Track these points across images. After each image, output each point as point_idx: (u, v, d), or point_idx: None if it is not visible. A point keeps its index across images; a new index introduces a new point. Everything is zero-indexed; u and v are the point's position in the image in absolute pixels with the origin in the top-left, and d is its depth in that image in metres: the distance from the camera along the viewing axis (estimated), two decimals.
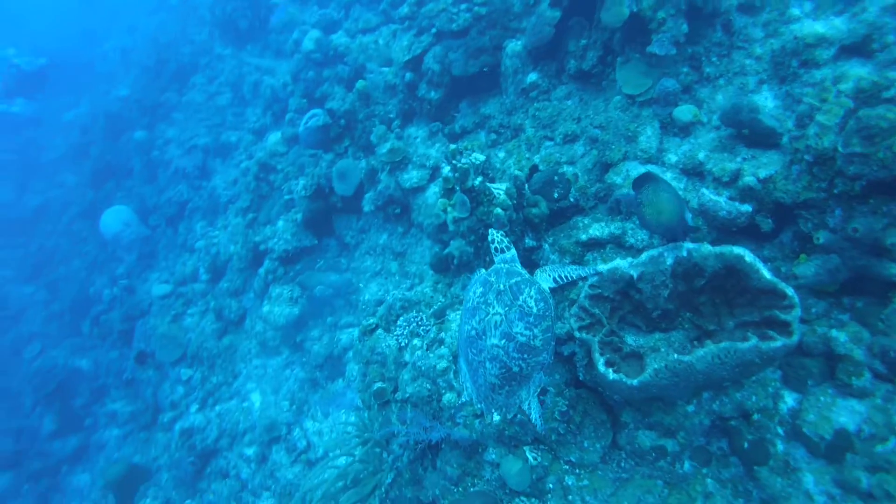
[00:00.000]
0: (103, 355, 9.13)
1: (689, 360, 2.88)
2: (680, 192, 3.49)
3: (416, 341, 4.35)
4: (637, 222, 3.94)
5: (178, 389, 7.57)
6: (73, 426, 9.19)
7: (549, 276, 3.18)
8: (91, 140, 11.89)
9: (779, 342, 2.74)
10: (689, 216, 3.18)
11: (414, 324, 4.48)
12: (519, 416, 3.86)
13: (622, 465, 3.73)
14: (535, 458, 3.82)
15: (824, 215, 3.08)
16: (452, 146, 4.11)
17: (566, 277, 3.21)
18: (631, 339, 3.51)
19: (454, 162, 3.99)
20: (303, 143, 7.03)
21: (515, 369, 2.87)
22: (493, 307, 2.91)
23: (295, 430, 6.28)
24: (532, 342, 2.87)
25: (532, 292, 2.93)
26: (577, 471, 3.76)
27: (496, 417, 2.97)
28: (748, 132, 3.64)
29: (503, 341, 2.83)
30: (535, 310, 2.88)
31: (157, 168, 10.68)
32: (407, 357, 4.34)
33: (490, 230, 3.33)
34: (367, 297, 6.28)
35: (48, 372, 9.55)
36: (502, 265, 3.11)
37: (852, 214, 2.93)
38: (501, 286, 2.94)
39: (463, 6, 5.70)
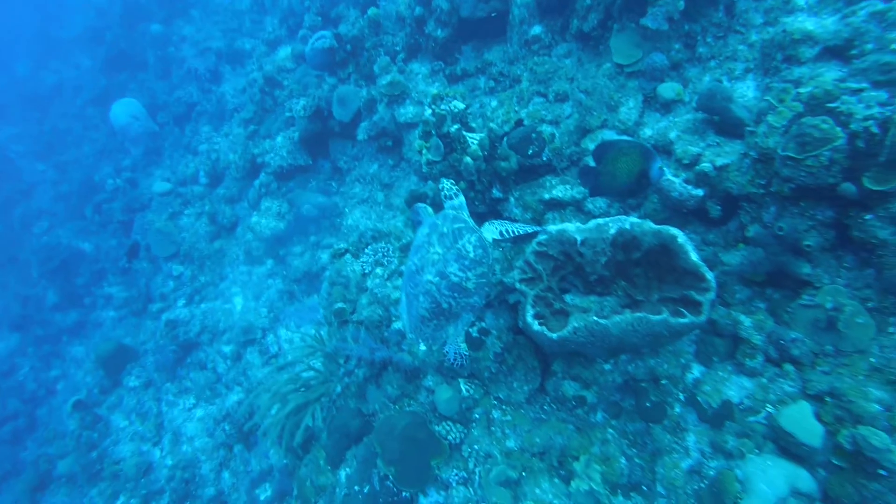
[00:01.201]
0: (104, 241, 9.61)
1: (606, 324, 3.17)
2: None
3: (378, 270, 4.67)
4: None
5: (169, 283, 8.06)
6: (74, 302, 9.82)
7: (497, 228, 3.43)
8: (107, 25, 11.82)
9: (686, 319, 3.02)
10: (655, 169, 3.19)
11: (380, 254, 4.79)
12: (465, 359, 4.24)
13: (545, 408, 4.12)
14: (467, 391, 4.22)
15: (761, 210, 3.26)
16: (434, 91, 4.23)
17: (513, 232, 3.45)
18: (569, 298, 3.80)
19: (433, 107, 4.13)
20: (308, 64, 7.07)
21: (445, 306, 3.16)
22: (434, 247, 3.17)
23: (269, 336, 6.77)
24: (464, 284, 3.14)
25: (472, 238, 3.18)
26: (504, 407, 4.17)
27: (422, 347, 3.30)
28: (718, 119, 3.74)
29: (437, 278, 3.11)
30: (471, 255, 3.14)
31: (170, 64, 10.71)
32: (368, 283, 4.68)
33: (442, 179, 3.53)
34: (350, 222, 6.57)
35: (53, 248, 10.06)
36: (450, 211, 3.35)
37: (783, 213, 3.11)
38: (445, 229, 3.19)
39: None
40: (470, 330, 4.26)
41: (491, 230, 3.43)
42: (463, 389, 4.21)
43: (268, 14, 10.13)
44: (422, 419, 4.10)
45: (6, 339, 10.64)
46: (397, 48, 6.59)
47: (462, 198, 3.46)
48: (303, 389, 4.52)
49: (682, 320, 3.02)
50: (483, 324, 4.30)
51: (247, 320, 6.98)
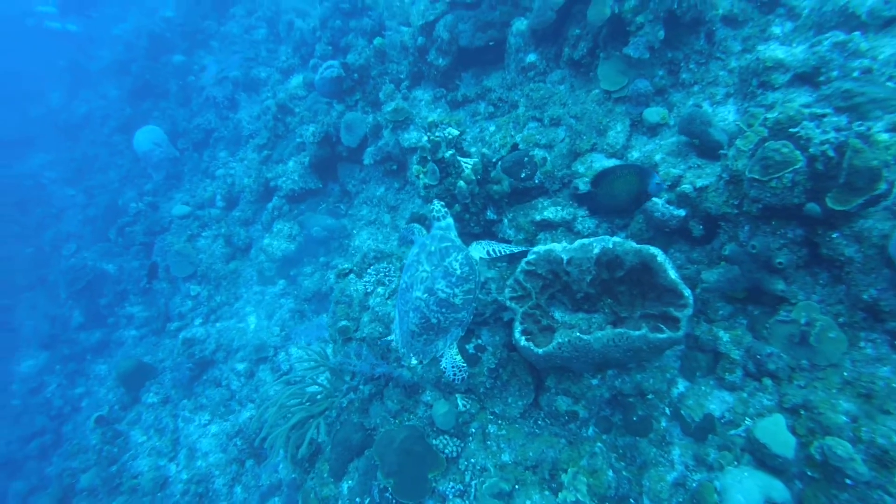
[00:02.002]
0: (127, 263, 10.04)
1: (588, 340, 3.32)
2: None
3: (380, 289, 4.89)
4: (586, 212, 4.31)
5: (187, 303, 8.39)
6: (98, 322, 10.24)
7: (484, 248, 3.63)
8: (133, 57, 12.45)
9: (664, 335, 3.16)
10: (653, 185, 3.51)
11: (382, 273, 5.01)
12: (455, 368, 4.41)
13: (539, 422, 4.24)
14: (464, 405, 4.38)
15: (737, 229, 3.40)
16: (431, 118, 4.48)
17: (499, 252, 3.65)
18: (558, 315, 3.96)
19: (429, 134, 4.37)
20: (318, 91, 7.42)
21: (433, 321, 3.35)
22: (423, 265, 3.38)
23: (281, 354, 7.01)
24: (452, 300, 3.34)
25: (459, 257, 3.39)
26: (499, 421, 4.31)
27: (413, 361, 3.48)
28: (698, 143, 3.91)
29: (425, 295, 3.31)
30: (458, 272, 3.34)
31: (191, 93, 11.24)
32: (370, 302, 4.89)
33: (434, 201, 3.75)
34: (357, 242, 6.82)
35: (80, 270, 10.50)
36: (438, 231, 3.57)
37: (756, 232, 3.25)
38: (433, 248, 3.41)
39: None
40: (466, 346, 4.44)
41: (478, 249, 3.63)
42: (460, 404, 4.37)
43: (282, 43, 10.59)
44: (419, 433, 4.26)
45: (36, 358, 11.12)
46: (401, 76, 6.90)
47: (450, 219, 3.68)
48: (308, 403, 4.72)
49: (660, 336, 3.16)
50: (479, 340, 4.47)
51: (260, 339, 7.24)
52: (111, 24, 15.82)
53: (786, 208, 3.06)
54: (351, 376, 4.99)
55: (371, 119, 6.88)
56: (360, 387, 4.94)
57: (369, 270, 5.08)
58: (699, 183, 3.75)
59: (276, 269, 7.40)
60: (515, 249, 3.67)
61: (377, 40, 6.98)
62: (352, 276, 5.19)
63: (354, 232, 7.07)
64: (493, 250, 3.64)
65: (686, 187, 3.76)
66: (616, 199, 3.76)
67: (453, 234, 3.61)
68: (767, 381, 3.29)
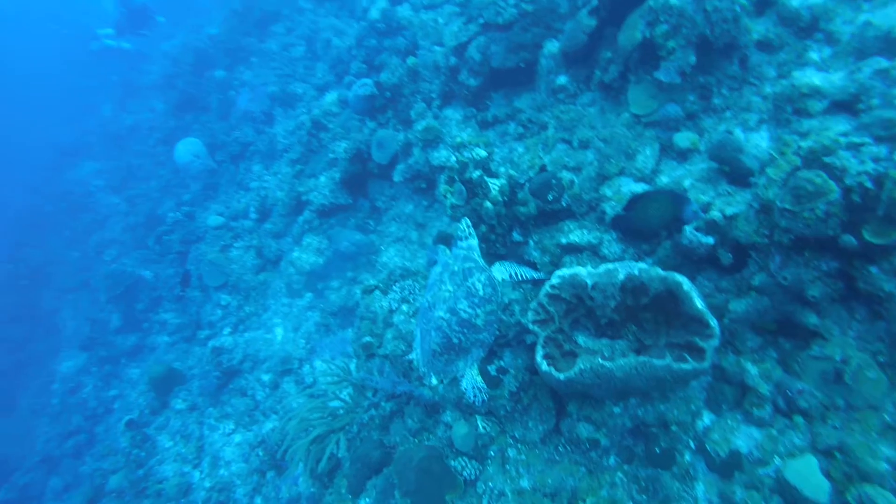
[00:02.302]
0: (163, 270, 10.37)
1: (611, 367, 3.27)
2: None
3: (404, 307, 4.92)
4: (614, 236, 4.26)
5: (217, 312, 8.60)
6: (134, 326, 10.57)
7: (507, 270, 3.63)
8: (179, 72, 12.98)
9: (689, 365, 3.09)
10: (689, 212, 3.50)
11: (407, 291, 5.04)
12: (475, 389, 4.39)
13: (559, 448, 4.17)
14: (484, 428, 4.34)
15: (768, 259, 3.31)
16: (459, 138, 4.52)
17: (522, 275, 3.64)
18: (581, 340, 3.91)
19: (457, 154, 4.42)
20: (351, 109, 7.59)
21: (455, 341, 3.36)
22: (446, 284, 3.40)
23: (305, 367, 7.10)
24: (474, 320, 3.34)
25: (482, 277, 3.40)
26: (519, 446, 4.25)
27: (433, 380, 3.48)
28: (729, 169, 3.83)
29: (448, 315, 3.32)
30: (481, 292, 3.35)
31: (230, 107, 11.63)
32: (394, 319, 4.93)
33: (463, 220, 3.78)
34: (384, 259, 6.89)
35: (119, 275, 10.87)
36: (461, 251, 3.59)
37: (787, 263, 3.15)
38: (456, 268, 3.43)
39: (511, 1, 5.94)
40: (488, 367, 4.42)
41: (501, 270, 3.64)
42: (480, 426, 4.33)
43: (319, 61, 10.86)
44: (438, 453, 4.24)
45: (75, 359, 11.53)
46: (433, 95, 7.00)
47: (475, 239, 3.69)
48: (329, 418, 4.77)
49: (684, 366, 3.08)
50: (501, 362, 4.44)
51: (285, 350, 7.36)
52: (162, 40, 16.55)
53: (819, 240, 2.96)
54: (373, 392, 5.02)
55: (402, 137, 6.98)
56: (382, 403, 4.96)
57: (394, 287, 5.13)
58: (729, 210, 3.67)
59: (304, 282, 7.53)
60: (537, 276, 3.66)
61: (410, 59, 7.11)
62: (377, 292, 5.24)
63: (382, 248, 7.15)
64: (516, 273, 3.64)
65: (715, 214, 3.68)
66: (649, 223, 3.73)
67: (477, 254, 3.62)
68: (799, 419, 3.17)
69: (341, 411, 4.86)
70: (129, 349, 10.39)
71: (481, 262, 3.53)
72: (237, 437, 7.17)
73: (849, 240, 2.83)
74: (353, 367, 5.16)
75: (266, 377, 7.39)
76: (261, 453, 6.52)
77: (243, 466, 6.78)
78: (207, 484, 6.84)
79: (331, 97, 8.74)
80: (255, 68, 11.75)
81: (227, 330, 8.23)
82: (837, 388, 3.08)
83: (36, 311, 15.26)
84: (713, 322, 3.16)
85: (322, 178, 7.85)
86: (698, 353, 3.18)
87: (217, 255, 8.79)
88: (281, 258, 8.28)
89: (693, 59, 4.07)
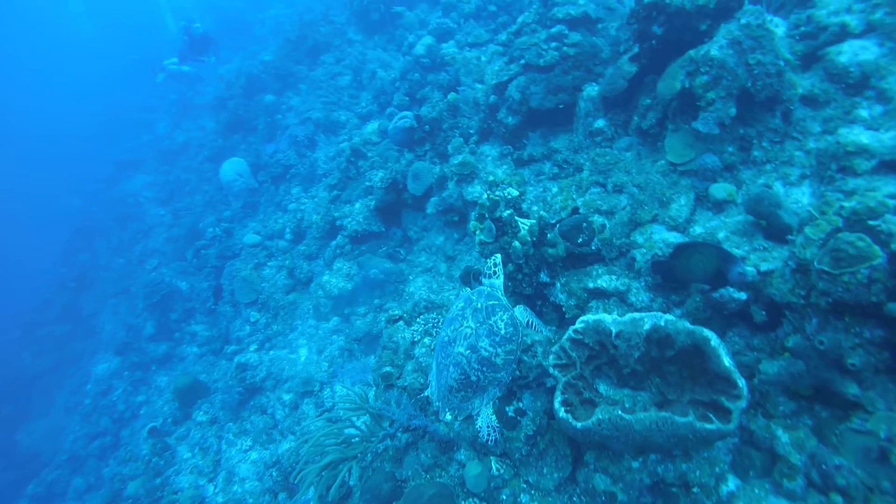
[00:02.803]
0: (198, 283, 10.68)
1: (630, 420, 3.17)
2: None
3: (426, 339, 4.91)
4: (643, 284, 4.17)
5: (246, 328, 8.77)
6: (166, 335, 10.87)
7: (527, 316, 3.61)
8: (231, 95, 13.61)
9: (713, 426, 2.96)
10: (735, 272, 3.31)
11: (430, 324, 5.04)
12: (490, 429, 4.31)
13: (574, 499, 4.03)
14: (498, 469, 4.24)
15: (804, 321, 3.18)
16: (492, 177, 4.56)
17: (535, 326, 3.63)
18: (603, 388, 3.81)
19: (489, 192, 4.45)
20: (391, 139, 7.78)
21: (473, 378, 3.32)
22: (468, 321, 3.39)
23: (326, 390, 7.13)
24: (493, 359, 3.32)
25: (504, 316, 3.38)
26: (533, 492, 4.12)
27: (448, 416, 3.44)
28: (766, 224, 3.73)
29: (468, 351, 3.30)
30: (502, 332, 3.33)
31: (276, 130, 12.08)
32: (416, 351, 4.91)
33: (494, 256, 3.79)
34: (412, 289, 6.92)
35: (157, 285, 11.26)
36: (486, 288, 3.58)
37: (825, 327, 3.02)
38: (479, 305, 3.42)
39: (553, 44, 6.04)
40: (506, 408, 4.34)
41: (522, 313, 3.61)
42: (493, 468, 4.23)
43: (364, 90, 11.23)
44: (449, 491, 4.15)
45: (109, 361, 11.89)
46: (471, 131, 7.11)
47: (501, 279, 3.69)
48: (343, 445, 4.74)
49: (708, 426, 2.96)
50: (520, 404, 4.35)
51: (308, 372, 7.41)
52: (220, 64, 17.47)
53: (861, 305, 2.83)
54: (389, 423, 4.98)
55: (438, 170, 7.08)
56: (398, 434, 4.91)
57: (419, 319, 5.13)
58: (764, 266, 3.56)
59: (332, 306, 7.62)
60: (548, 333, 3.66)
61: (451, 95, 7.27)
62: (401, 322, 5.26)
63: (410, 278, 7.19)
64: (532, 322, 3.64)
65: (749, 269, 3.56)
66: (691, 274, 3.61)
67: (501, 292, 3.62)
68: (837, 498, 2.96)
69: (356, 439, 4.83)
70: (159, 357, 10.66)
71: (504, 300, 3.52)
72: (254, 455, 7.19)
73: (895, 308, 2.70)
74: (371, 395, 5.15)
75: (287, 397, 7.44)
76: (274, 473, 6.51)
77: (257, 485, 6.78)
78: (220, 499, 6.86)
79: (372, 127, 8.98)
80: (302, 94, 12.22)
81: (253, 346, 8.36)
82: (882, 469, 2.88)
83: (80, 313, 15.94)
84: (741, 382, 3.04)
85: (357, 205, 8.02)
86: (724, 413, 3.06)
87: (250, 272, 9.01)
88: (311, 280, 8.42)
89: (733, 110, 4.02)
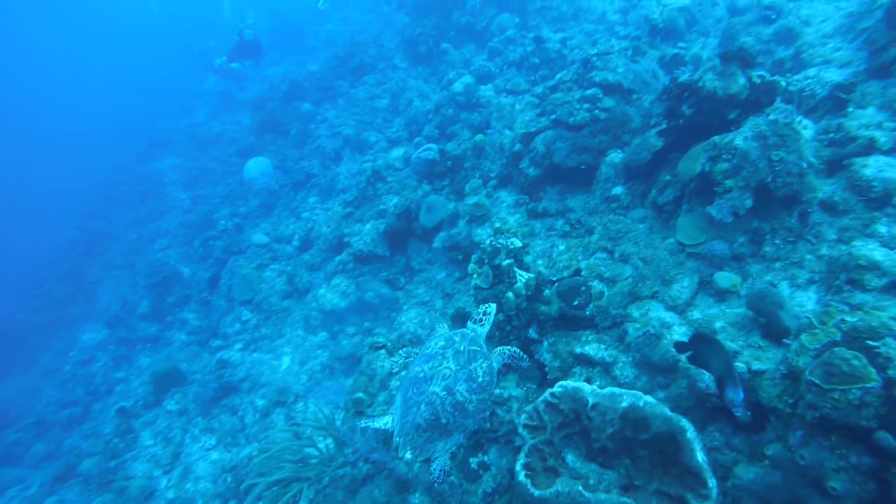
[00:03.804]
0: (199, 272, 10.72)
1: (589, 498, 3.04)
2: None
3: (404, 373, 4.81)
4: (631, 359, 4.07)
5: (236, 325, 8.73)
6: (158, 317, 10.86)
7: (500, 360, 3.58)
8: (271, 97, 13.96)
9: None
10: (730, 391, 2.99)
11: (412, 358, 4.94)
12: (451, 477, 4.17)
13: None
14: None
15: (788, 430, 3.04)
16: (497, 224, 4.54)
17: (511, 357, 3.62)
18: (570, 459, 3.67)
19: (492, 239, 4.42)
20: (412, 168, 7.85)
21: (444, 420, 3.23)
22: (448, 361, 3.31)
23: (299, 403, 7.01)
24: (467, 405, 3.23)
25: (484, 365, 3.31)
26: None
27: (408, 455, 3.33)
28: (765, 322, 3.63)
29: (444, 392, 3.22)
30: (479, 379, 3.26)
31: (306, 138, 12.30)
32: (391, 382, 4.82)
33: (489, 304, 3.74)
34: (404, 318, 6.84)
35: (161, 265, 11.32)
36: (469, 332, 3.52)
37: (809, 442, 2.88)
38: (461, 348, 3.35)
39: (586, 105, 6.11)
40: (470, 459, 4.21)
41: (497, 359, 3.58)
42: None
43: (399, 116, 11.42)
44: None
45: (98, 332, 11.90)
46: (491, 175, 7.15)
47: (486, 328, 3.64)
48: (300, 464, 4.61)
49: None
50: (486, 457, 4.23)
51: (286, 381, 7.31)
52: (266, 66, 18.01)
53: (850, 427, 2.71)
54: (353, 451, 4.86)
55: (452, 206, 7.10)
56: (360, 464, 4.78)
57: (401, 351, 5.04)
58: (755, 366, 3.44)
59: (322, 320, 7.56)
60: (524, 364, 3.69)
61: (479, 136, 7.35)
62: (383, 351, 5.18)
63: (405, 308, 7.12)
64: (508, 353, 3.63)
65: (740, 366, 3.46)
66: (708, 366, 3.43)
67: (483, 340, 3.56)
68: None
69: (314, 460, 4.71)
70: (147, 337, 10.63)
71: (485, 349, 3.45)
72: (215, 455, 7.04)
73: (885, 438, 2.57)
74: (339, 419, 5.03)
75: (260, 402, 7.33)
76: (229, 479, 6.35)
77: (210, 487, 6.61)
78: (170, 495, 6.68)
79: (397, 152, 9.10)
80: (339, 109, 12.46)
81: (238, 345, 8.30)
82: None
83: (82, 279, 16.05)
84: (711, 482, 2.91)
85: (368, 226, 8.04)
86: None
87: (252, 271, 9.03)
88: (309, 291, 8.40)
89: (749, 202, 3.98)
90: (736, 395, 3.00)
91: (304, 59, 17.37)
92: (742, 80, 4.32)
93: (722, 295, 4.16)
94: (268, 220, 10.95)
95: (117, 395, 9.77)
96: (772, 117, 3.99)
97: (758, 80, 4.34)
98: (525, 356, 3.75)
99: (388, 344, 5.24)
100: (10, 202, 32.15)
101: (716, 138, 4.16)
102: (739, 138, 4.03)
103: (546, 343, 4.48)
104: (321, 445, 4.87)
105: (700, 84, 4.37)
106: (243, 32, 12.92)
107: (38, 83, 44.87)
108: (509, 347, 3.68)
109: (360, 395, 4.85)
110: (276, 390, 7.20)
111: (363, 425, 3.73)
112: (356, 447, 4.48)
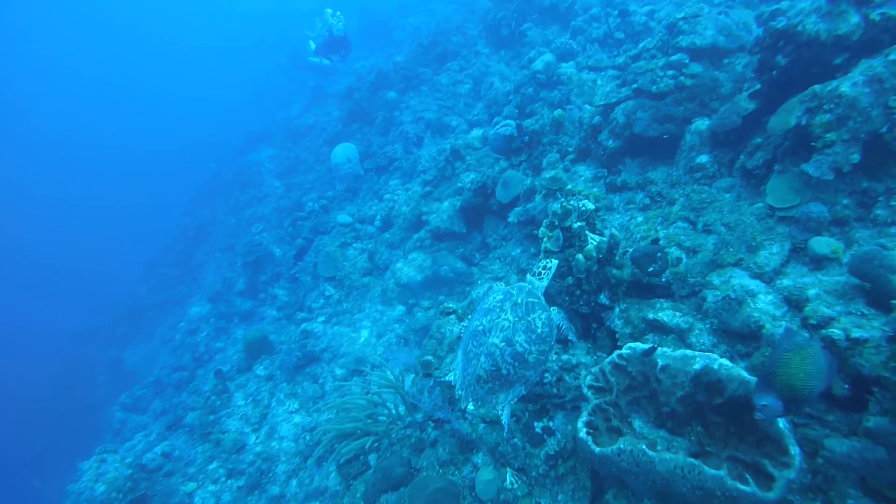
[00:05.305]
0: (289, 251, 11.41)
1: (653, 457, 2.90)
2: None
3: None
4: (708, 326, 3.81)
5: (320, 300, 9.21)
6: (252, 293, 11.72)
7: (559, 319, 3.50)
8: (359, 87, 14.51)
9: (748, 488, 2.62)
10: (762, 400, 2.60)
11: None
12: (514, 439, 4.14)
13: None
14: (512, 483, 4.06)
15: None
16: (569, 186, 4.42)
17: (564, 329, 3.51)
18: (638, 425, 3.52)
19: (563, 200, 4.32)
20: (489, 146, 7.84)
21: (504, 371, 3.23)
22: (506, 313, 3.31)
23: (375, 373, 7.25)
24: (527, 356, 3.21)
25: (543, 316, 3.27)
26: None
27: (470, 406, 3.36)
28: (870, 287, 3.26)
29: (503, 343, 3.22)
30: (539, 330, 3.23)
31: (391, 125, 12.67)
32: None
33: (549, 259, 3.68)
34: (476, 293, 6.87)
35: (255, 246, 12.19)
36: (527, 285, 3.47)
37: None
38: (519, 300, 3.33)
39: (670, 72, 5.78)
40: (535, 423, 4.16)
41: (556, 315, 3.51)
42: (508, 479, 4.06)
43: (480, 100, 11.45)
44: (456, 490, 4.04)
45: (203, 306, 13.04)
46: (570, 149, 6.97)
47: (545, 282, 3.58)
48: (370, 420, 4.79)
49: (741, 487, 2.62)
50: (551, 423, 4.16)
51: (364, 352, 7.61)
52: (356, 60, 18.73)
53: None
54: (423, 414, 4.97)
55: (528, 181, 7.00)
56: (429, 430, 4.88)
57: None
58: (856, 333, 3.09)
59: (398, 293, 7.78)
60: (574, 339, 3.57)
61: (557, 111, 7.19)
62: (453, 316, 5.25)
63: (479, 282, 7.15)
64: (562, 326, 3.55)
65: (835, 332, 3.13)
66: (790, 386, 2.84)
67: (541, 293, 3.51)
68: None
69: (383, 417, 4.87)
70: (243, 312, 11.50)
71: (544, 302, 3.40)
72: (297, 418, 7.50)
73: None
74: (409, 381, 5.16)
75: (339, 371, 7.69)
76: (308, 438, 6.74)
77: (292, 446, 7.05)
78: (258, 449, 7.21)
79: (476, 133, 9.12)
80: (422, 96, 12.72)
81: (321, 318, 8.75)
82: None
83: (191, 261, 17.69)
84: (794, 450, 2.67)
85: (445, 203, 8.15)
86: (766, 479, 2.69)
87: (336, 249, 9.47)
88: (387, 268, 8.67)
89: (856, 157, 3.57)
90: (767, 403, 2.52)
91: (391, 52, 17.89)
92: (855, 19, 3.85)
93: (819, 262, 3.77)
94: (353, 203, 11.42)
95: (216, 363, 10.66)
96: (892, 57, 3.52)
97: (877, 18, 3.84)
98: (572, 327, 3.68)
99: (459, 310, 5.29)
100: (137, 199, 36.37)
101: (816, 87, 3.77)
102: (846, 84, 3.61)
103: (617, 309, 4.32)
104: (390, 405, 5.03)
105: (799, 28, 3.96)
106: (334, 28, 13.54)
107: (162, 95, 50.96)
108: (561, 313, 3.63)
109: (429, 357, 4.94)
110: (354, 360, 7.52)
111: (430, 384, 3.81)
112: (420, 406, 4.58)
